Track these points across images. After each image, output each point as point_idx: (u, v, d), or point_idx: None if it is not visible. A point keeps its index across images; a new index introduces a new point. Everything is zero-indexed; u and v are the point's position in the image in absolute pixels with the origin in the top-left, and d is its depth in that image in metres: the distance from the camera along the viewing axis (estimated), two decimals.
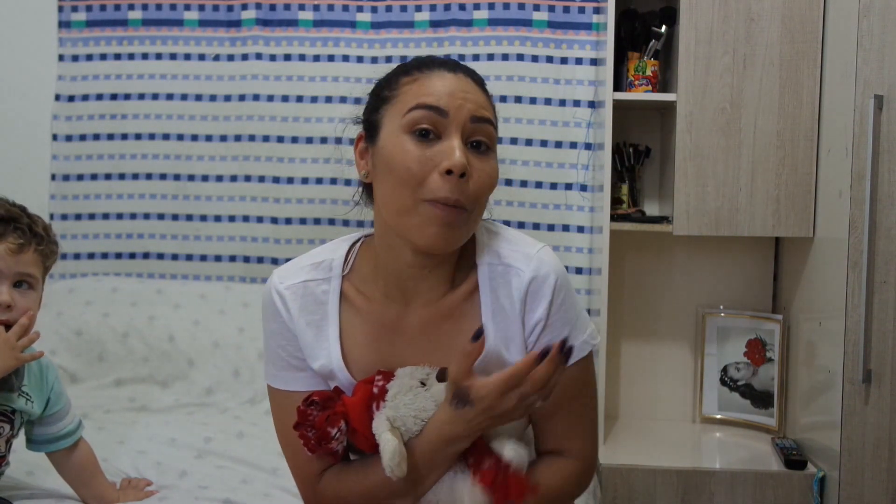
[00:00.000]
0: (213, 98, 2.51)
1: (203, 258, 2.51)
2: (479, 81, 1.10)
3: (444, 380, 1.06)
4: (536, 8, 2.38)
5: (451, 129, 1.03)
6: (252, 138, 2.48)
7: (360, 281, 1.14)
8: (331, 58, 2.47)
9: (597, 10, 2.36)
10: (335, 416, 1.05)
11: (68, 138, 2.55)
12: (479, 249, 1.13)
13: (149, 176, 2.53)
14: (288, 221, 2.48)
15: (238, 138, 2.49)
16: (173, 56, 2.52)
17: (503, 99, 2.37)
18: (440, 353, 1.10)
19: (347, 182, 2.44)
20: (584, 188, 2.37)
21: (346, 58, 2.46)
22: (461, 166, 1.00)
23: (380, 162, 1.07)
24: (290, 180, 2.47)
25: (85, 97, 2.55)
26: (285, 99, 2.47)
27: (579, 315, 1.13)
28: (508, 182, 2.39)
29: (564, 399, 1.10)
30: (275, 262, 2.48)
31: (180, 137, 2.51)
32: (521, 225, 2.38)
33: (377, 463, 1.05)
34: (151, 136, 2.52)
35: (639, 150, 2.33)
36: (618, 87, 2.14)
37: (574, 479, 1.15)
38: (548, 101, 2.38)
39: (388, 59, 2.43)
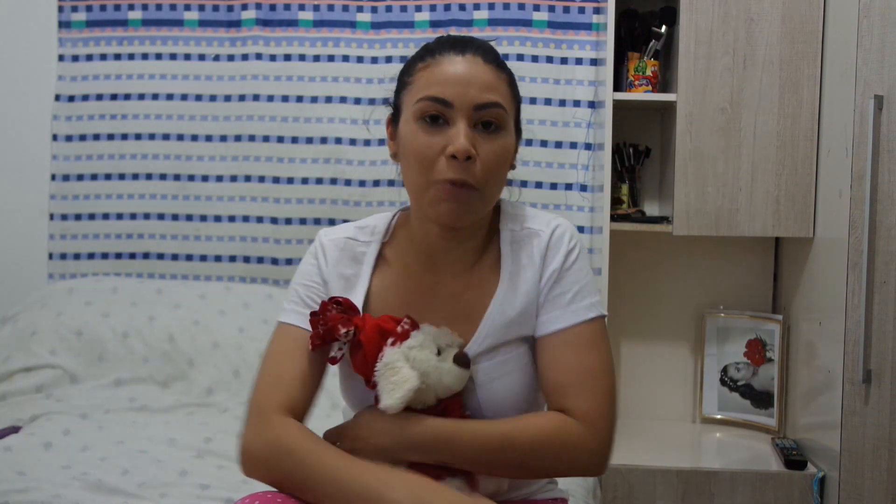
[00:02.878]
0: (213, 98, 2.51)
1: (203, 258, 2.51)
2: (491, 58, 1.15)
3: (461, 362, 1.10)
4: (536, 8, 2.38)
5: (456, 116, 1.10)
6: (252, 138, 2.48)
7: (399, 248, 1.22)
8: (331, 58, 2.47)
9: (597, 10, 2.36)
10: (349, 321, 1.10)
11: (68, 138, 2.55)
12: (502, 218, 1.22)
13: (149, 176, 2.53)
14: (288, 221, 2.48)
15: (238, 138, 2.49)
16: (173, 56, 2.52)
17: None
18: (461, 319, 1.16)
19: (347, 182, 2.44)
20: (584, 188, 2.37)
21: (346, 58, 2.46)
22: (464, 151, 1.08)
23: (401, 145, 1.16)
24: (290, 180, 2.47)
25: (85, 97, 2.55)
26: (285, 99, 2.47)
27: (590, 280, 1.18)
28: (508, 182, 2.38)
29: (573, 356, 1.12)
30: (275, 262, 2.48)
31: (180, 137, 2.51)
32: None
33: (336, 456, 1.06)
34: (151, 136, 2.52)
35: (639, 150, 2.33)
36: (618, 87, 2.15)
37: (574, 436, 1.09)
38: (548, 102, 2.38)
39: (388, 59, 2.43)
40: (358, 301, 1.17)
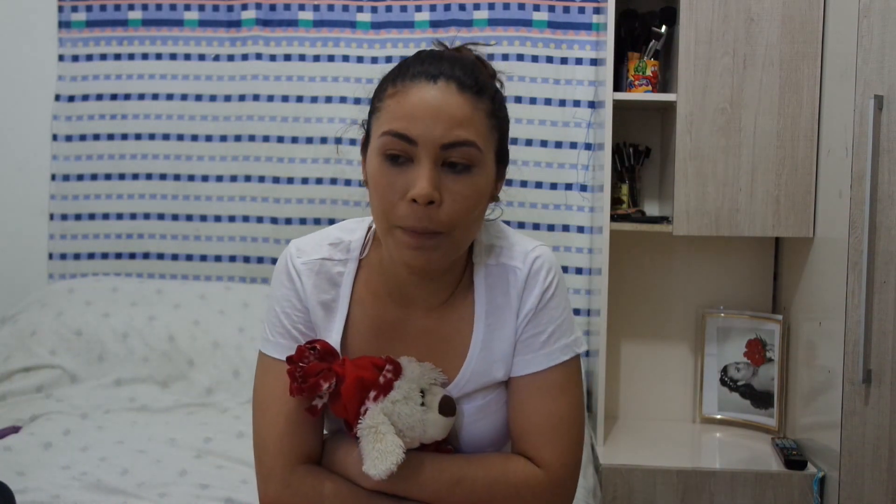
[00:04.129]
0: (213, 98, 2.51)
1: (203, 258, 2.51)
2: (467, 84, 1.03)
3: (446, 411, 1.07)
4: (536, 8, 2.38)
5: (421, 155, 1.00)
6: (252, 138, 2.48)
7: (371, 274, 1.14)
8: (331, 58, 2.47)
9: (597, 10, 2.36)
10: (329, 372, 1.05)
11: (68, 138, 2.55)
12: (476, 249, 1.14)
13: (149, 176, 2.53)
14: (288, 221, 2.48)
15: (238, 138, 2.49)
16: (173, 56, 2.52)
17: None
18: (436, 354, 1.12)
19: (347, 182, 2.44)
20: (584, 188, 2.37)
21: (346, 58, 2.46)
22: (424, 197, 0.98)
23: (368, 175, 1.07)
24: (290, 180, 2.47)
25: (85, 97, 2.55)
26: (285, 99, 2.47)
27: (566, 318, 1.13)
28: (508, 182, 2.37)
29: (540, 402, 1.09)
30: (275, 262, 2.47)
31: (180, 137, 2.51)
32: (521, 225, 2.39)
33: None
34: (151, 136, 2.52)
35: (639, 150, 2.33)
36: (618, 87, 2.14)
37: (533, 487, 1.07)
38: (548, 102, 2.38)
39: (388, 59, 2.43)
40: (338, 330, 1.12)
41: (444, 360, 1.11)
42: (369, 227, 1.16)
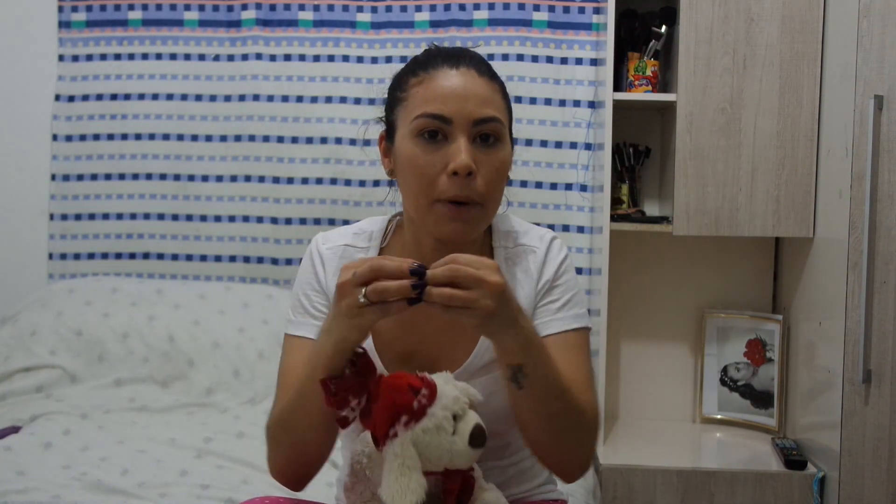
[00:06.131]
0: (213, 98, 2.51)
1: (203, 258, 2.51)
2: (484, 70, 1.14)
3: (476, 443, 1.05)
4: (536, 8, 2.38)
5: (455, 132, 1.10)
6: (252, 138, 2.48)
7: (392, 256, 1.15)
8: (331, 58, 2.47)
9: (597, 11, 2.36)
10: (363, 387, 1.04)
11: (68, 138, 2.55)
12: (494, 235, 1.23)
13: (149, 176, 2.53)
14: (288, 221, 2.48)
15: (238, 138, 2.49)
16: (173, 56, 2.52)
17: None
18: (456, 328, 1.12)
19: (347, 182, 2.44)
20: (584, 188, 2.37)
21: (346, 58, 2.46)
22: (465, 167, 1.08)
23: (398, 162, 1.15)
24: (290, 180, 2.47)
25: (85, 97, 2.55)
26: (285, 99, 2.47)
27: (577, 292, 1.21)
28: (508, 182, 2.38)
29: (569, 358, 1.13)
30: (275, 262, 2.48)
31: (180, 137, 2.51)
32: None
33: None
34: (151, 136, 2.52)
35: (639, 150, 2.33)
36: (618, 87, 2.15)
37: (589, 415, 1.11)
38: (548, 102, 2.38)
39: (388, 59, 2.43)
40: None
41: (463, 334, 1.15)
42: (390, 220, 1.25)
